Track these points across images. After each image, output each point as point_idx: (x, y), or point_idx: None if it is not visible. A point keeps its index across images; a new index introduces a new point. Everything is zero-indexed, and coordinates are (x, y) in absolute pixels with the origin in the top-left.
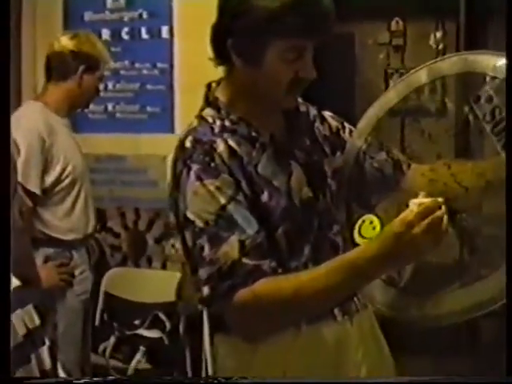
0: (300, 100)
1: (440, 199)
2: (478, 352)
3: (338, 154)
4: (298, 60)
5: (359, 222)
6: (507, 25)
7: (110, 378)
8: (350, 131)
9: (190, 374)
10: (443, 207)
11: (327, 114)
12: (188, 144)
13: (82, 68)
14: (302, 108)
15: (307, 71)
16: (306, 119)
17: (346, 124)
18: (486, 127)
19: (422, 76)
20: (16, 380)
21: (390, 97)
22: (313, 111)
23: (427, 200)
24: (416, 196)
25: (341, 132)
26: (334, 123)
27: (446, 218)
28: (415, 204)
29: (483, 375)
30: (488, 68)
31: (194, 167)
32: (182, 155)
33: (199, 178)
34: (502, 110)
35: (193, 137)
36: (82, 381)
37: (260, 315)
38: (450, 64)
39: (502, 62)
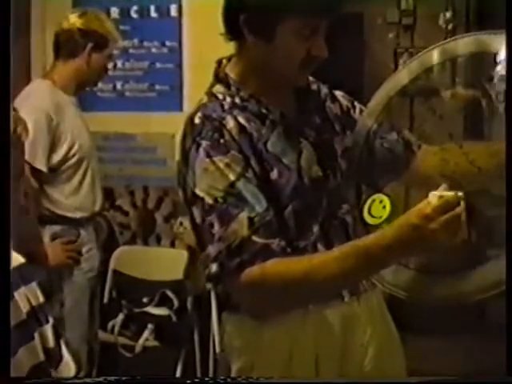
0: (311, 78)
1: (460, 193)
2: (485, 330)
3: (349, 133)
4: (311, 38)
5: (369, 201)
6: (507, 25)
7: (113, 377)
8: (361, 111)
9: (197, 352)
10: (462, 203)
11: (338, 93)
12: (197, 120)
13: (89, 46)
14: (313, 86)
15: (319, 49)
16: (317, 98)
17: (357, 103)
18: (498, 107)
19: (434, 56)
20: (16, 380)
21: (402, 76)
22: (324, 90)
23: (447, 193)
24: (426, 177)
25: (351, 111)
26: (344, 102)
27: (464, 214)
28: (435, 196)
29: (489, 354)
30: (502, 48)
31: (204, 144)
32: (191, 132)
33: (208, 155)
34: None
35: (202, 113)
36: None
37: (267, 294)
38: (463, 44)
39: None
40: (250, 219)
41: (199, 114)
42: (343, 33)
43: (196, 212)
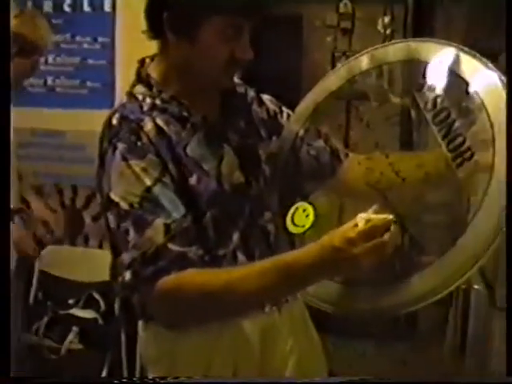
0: (238, 81)
1: (390, 217)
2: (416, 338)
3: (274, 138)
4: (235, 39)
5: (292, 209)
6: (507, 25)
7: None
8: (288, 116)
9: (124, 356)
10: (393, 227)
11: (266, 97)
12: (115, 121)
13: (14, 50)
14: (240, 89)
15: (243, 51)
16: (243, 101)
17: (285, 108)
18: (427, 116)
19: (364, 62)
20: (16, 380)
21: (330, 82)
22: (251, 93)
23: (376, 217)
24: (352, 186)
25: (278, 116)
26: (272, 107)
27: (396, 236)
28: (362, 219)
29: (422, 358)
30: (431, 56)
31: (120, 146)
32: (108, 133)
33: (124, 158)
34: (444, 99)
35: (120, 114)
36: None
37: (182, 306)
38: (394, 51)
39: (445, 50)
40: (167, 226)
41: (117, 115)
42: (280, 35)
43: (111, 217)
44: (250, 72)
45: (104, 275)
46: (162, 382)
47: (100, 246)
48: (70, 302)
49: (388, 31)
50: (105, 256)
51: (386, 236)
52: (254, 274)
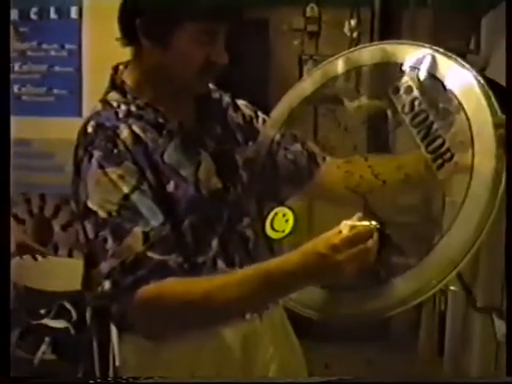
0: (212, 86)
1: (374, 223)
2: (389, 340)
3: (251, 143)
4: (210, 44)
5: (271, 214)
6: (507, 24)
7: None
8: (264, 120)
9: (97, 366)
10: (375, 234)
11: (241, 102)
12: (90, 129)
13: None
14: (215, 95)
15: (219, 56)
16: (219, 106)
17: (260, 113)
18: (404, 119)
19: (338, 65)
20: (16, 380)
21: (305, 86)
22: (226, 99)
23: (360, 224)
24: (330, 190)
25: (254, 121)
26: (247, 112)
27: (376, 246)
28: (346, 226)
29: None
30: (408, 58)
31: (96, 154)
32: (84, 141)
33: (101, 166)
34: (422, 101)
35: (95, 121)
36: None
37: (163, 315)
38: (369, 54)
39: (421, 52)
40: (145, 234)
41: (92, 123)
42: (247, 39)
43: (88, 226)
44: (219, 77)
45: (75, 284)
46: (136, 381)
47: (70, 255)
48: (41, 312)
49: (355, 34)
50: (75, 265)
51: (370, 242)
52: (235, 282)
